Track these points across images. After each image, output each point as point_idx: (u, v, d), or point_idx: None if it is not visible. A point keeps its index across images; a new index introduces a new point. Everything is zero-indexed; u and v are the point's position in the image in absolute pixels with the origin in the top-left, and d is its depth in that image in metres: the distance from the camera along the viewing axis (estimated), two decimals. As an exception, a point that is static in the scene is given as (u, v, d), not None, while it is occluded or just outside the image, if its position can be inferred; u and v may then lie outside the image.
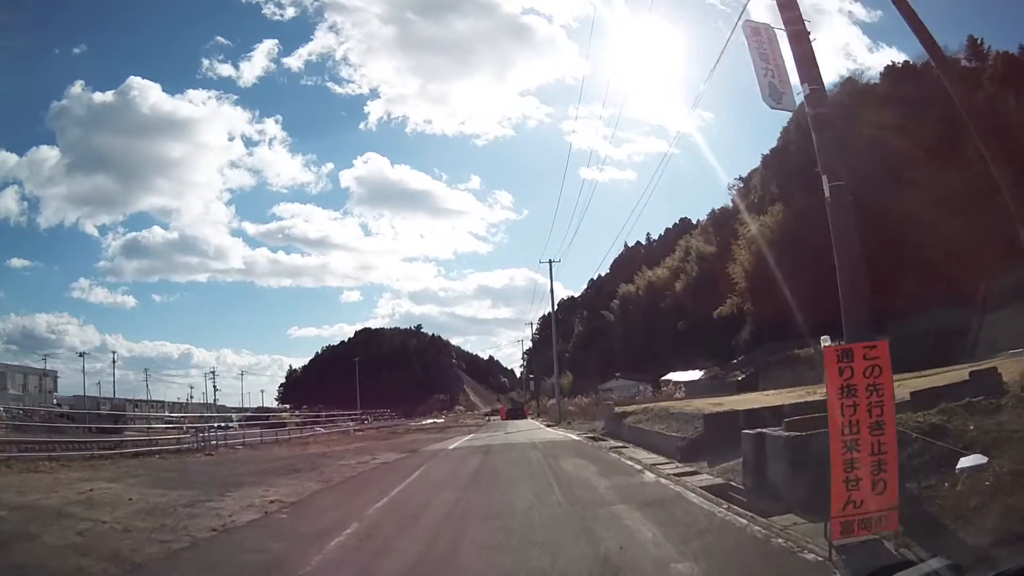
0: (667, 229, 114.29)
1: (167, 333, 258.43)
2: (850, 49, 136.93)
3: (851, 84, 54.77)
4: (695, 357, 61.75)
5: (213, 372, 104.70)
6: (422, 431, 42.35)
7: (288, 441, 32.20)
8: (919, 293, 37.79)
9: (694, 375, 55.56)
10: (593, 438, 19.34)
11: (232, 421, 68.02)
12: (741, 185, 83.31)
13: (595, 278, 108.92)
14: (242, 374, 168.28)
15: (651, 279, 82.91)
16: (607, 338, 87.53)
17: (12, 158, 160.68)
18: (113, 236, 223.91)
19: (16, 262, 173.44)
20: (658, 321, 75.43)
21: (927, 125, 43.84)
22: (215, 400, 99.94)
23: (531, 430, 30.70)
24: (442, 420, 77.45)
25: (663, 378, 57.31)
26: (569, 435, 21.95)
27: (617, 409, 19.93)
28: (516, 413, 61.91)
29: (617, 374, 68.40)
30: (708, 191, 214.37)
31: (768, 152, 69.40)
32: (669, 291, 76.86)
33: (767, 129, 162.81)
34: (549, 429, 30.02)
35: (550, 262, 40.92)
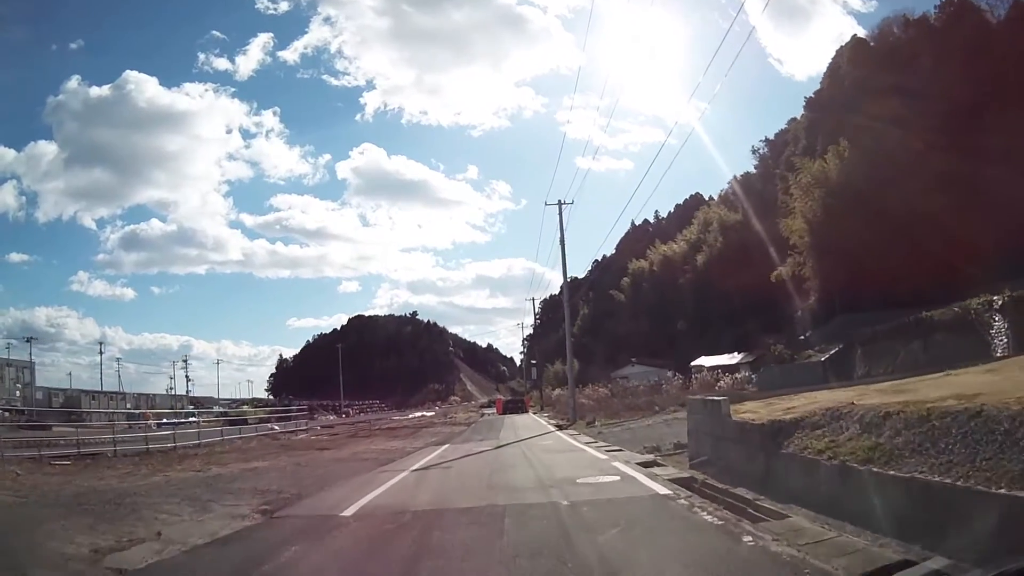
0: (677, 205, 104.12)
1: (167, 325, 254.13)
2: (844, 39, 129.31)
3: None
4: (726, 337, 50.86)
5: (185, 361, 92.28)
6: (391, 433, 31.11)
7: (171, 452, 20.83)
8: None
9: (729, 358, 44.47)
10: (693, 485, 7.86)
11: (194, 416, 58.27)
12: (765, 148, 73.04)
13: (599, 259, 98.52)
14: (218, 362, 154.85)
15: (666, 253, 72.09)
16: (616, 321, 76.52)
17: (10, 153, 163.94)
18: (111, 229, 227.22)
19: (15, 256, 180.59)
20: (676, 300, 64.68)
21: None
22: (187, 391, 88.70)
23: (538, 438, 19.24)
24: (431, 413, 66.26)
25: (694, 363, 46.11)
26: (620, 466, 10.00)
27: (751, 418, 8.32)
28: (515, 406, 50.35)
29: (633, 360, 57.30)
30: (709, 175, 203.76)
31: (812, 95, 59.30)
32: (688, 265, 66.17)
33: (769, 116, 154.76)
34: (566, 437, 18.45)
35: (559, 203, 29.51)
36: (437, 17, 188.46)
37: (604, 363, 66.47)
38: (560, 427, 24.97)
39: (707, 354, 48.12)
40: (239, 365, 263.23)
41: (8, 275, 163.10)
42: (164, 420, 55.05)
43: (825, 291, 35.14)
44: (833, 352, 27.38)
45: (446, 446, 18.43)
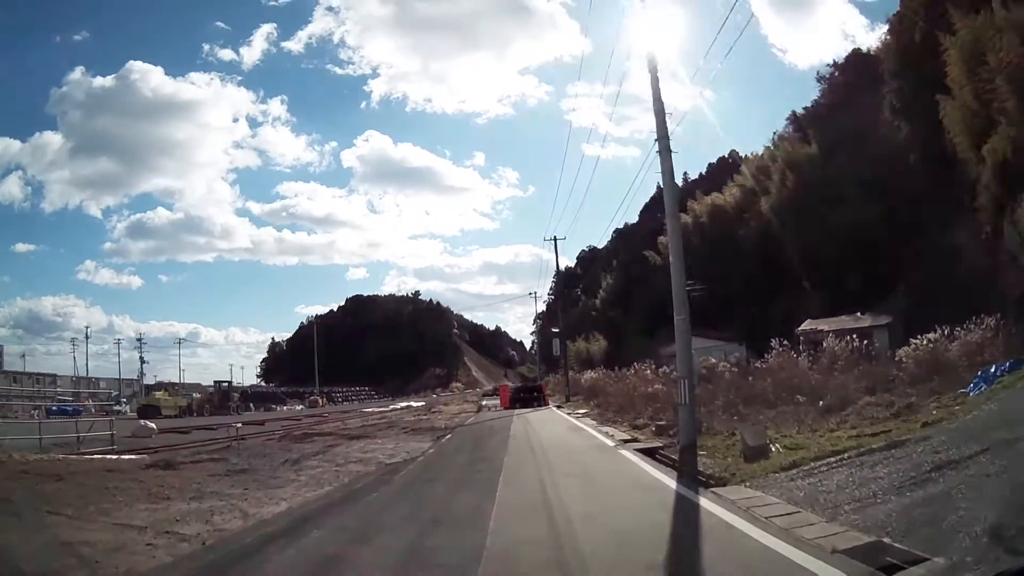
0: (710, 164, 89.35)
1: (175, 313, 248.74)
2: (847, 28, 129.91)
3: None
4: (812, 297, 35.80)
5: (139, 340, 77.54)
6: (314, 442, 15.60)
7: None
8: None
9: (852, 320, 28.98)
10: None
11: (121, 403, 46.02)
12: (832, 71, 58.38)
13: (621, 227, 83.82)
14: (179, 342, 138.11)
15: (716, 202, 56.01)
16: (651, 289, 60.66)
17: (15, 144, 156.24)
18: (118, 218, 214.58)
19: (21, 246, 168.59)
20: (733, 258, 48.86)
21: None
22: (141, 375, 74.09)
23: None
24: (419, 404, 51.04)
25: (802, 328, 30.66)
26: None
27: None
28: (528, 396, 34.71)
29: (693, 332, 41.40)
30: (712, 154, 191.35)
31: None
32: (749, 213, 50.09)
33: (774, 104, 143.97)
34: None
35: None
36: (440, 5, 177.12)
37: (639, 338, 51.20)
38: (662, 458, 9.40)
39: (789, 321, 33.04)
40: (247, 352, 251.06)
41: (14, 265, 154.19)
42: (56, 407, 41.29)
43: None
44: None
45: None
